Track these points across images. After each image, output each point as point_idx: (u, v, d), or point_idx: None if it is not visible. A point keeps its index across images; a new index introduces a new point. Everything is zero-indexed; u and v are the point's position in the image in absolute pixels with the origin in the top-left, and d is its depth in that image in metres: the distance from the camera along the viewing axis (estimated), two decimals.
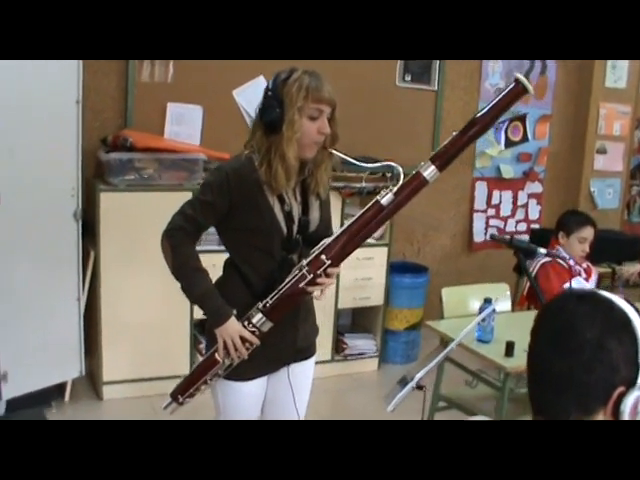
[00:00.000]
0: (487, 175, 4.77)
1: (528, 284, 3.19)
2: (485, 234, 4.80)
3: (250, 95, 3.97)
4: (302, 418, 2.16)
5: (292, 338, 2.03)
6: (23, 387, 3.16)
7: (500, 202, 4.85)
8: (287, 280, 1.90)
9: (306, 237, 1.99)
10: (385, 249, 4.08)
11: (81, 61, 3.10)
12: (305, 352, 2.13)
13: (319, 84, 1.87)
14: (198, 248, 1.99)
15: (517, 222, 4.92)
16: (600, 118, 4.96)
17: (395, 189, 1.89)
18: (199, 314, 2.29)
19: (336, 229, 2.00)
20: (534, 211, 4.99)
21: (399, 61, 4.28)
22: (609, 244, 4.13)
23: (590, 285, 3.24)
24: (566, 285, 3.09)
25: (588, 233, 3.24)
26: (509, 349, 2.48)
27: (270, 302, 1.90)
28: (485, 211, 4.82)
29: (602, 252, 3.82)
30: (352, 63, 4.11)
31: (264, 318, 1.91)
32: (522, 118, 4.77)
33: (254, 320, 1.91)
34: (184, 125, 3.85)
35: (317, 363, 3.97)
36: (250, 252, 1.95)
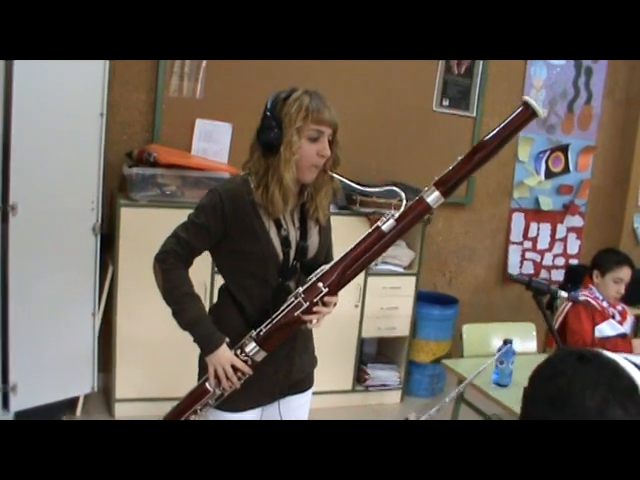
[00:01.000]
0: (525, 206, 4.59)
1: (559, 323, 3.02)
2: (520, 267, 4.62)
3: None
4: None
5: (287, 369, 1.92)
6: (33, 400, 3.11)
7: (538, 235, 4.67)
8: (282, 308, 1.80)
9: (304, 263, 1.88)
10: (413, 279, 3.95)
11: (106, 74, 3.08)
12: (301, 384, 2.01)
13: (320, 105, 1.78)
14: None
15: (555, 256, 4.72)
16: None
17: (397, 215, 1.78)
18: None
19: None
20: (573, 246, 4.78)
21: (437, 85, 4.17)
22: None
23: (625, 329, 3.05)
24: (599, 327, 2.92)
25: (625, 274, 3.05)
26: None
27: (264, 331, 1.80)
28: (521, 243, 4.63)
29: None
30: (389, 86, 4.04)
31: (257, 347, 1.80)
32: (564, 149, 4.59)
33: (247, 349, 1.81)
34: (212, 142, 3.80)
35: (337, 392, 3.91)
36: (244, 278, 1.85)
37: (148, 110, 3.63)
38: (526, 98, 1.68)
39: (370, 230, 1.81)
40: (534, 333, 3.06)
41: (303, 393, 2.03)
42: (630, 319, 3.16)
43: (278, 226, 1.84)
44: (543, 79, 4.45)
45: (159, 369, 3.45)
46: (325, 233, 1.96)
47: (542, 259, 4.69)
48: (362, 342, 4.09)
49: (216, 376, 1.81)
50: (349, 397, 3.92)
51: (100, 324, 3.34)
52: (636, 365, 0.98)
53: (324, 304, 1.81)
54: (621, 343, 2.92)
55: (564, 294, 2.10)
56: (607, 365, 0.97)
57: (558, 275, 4.65)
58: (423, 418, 1.92)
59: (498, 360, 2.10)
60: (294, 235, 1.88)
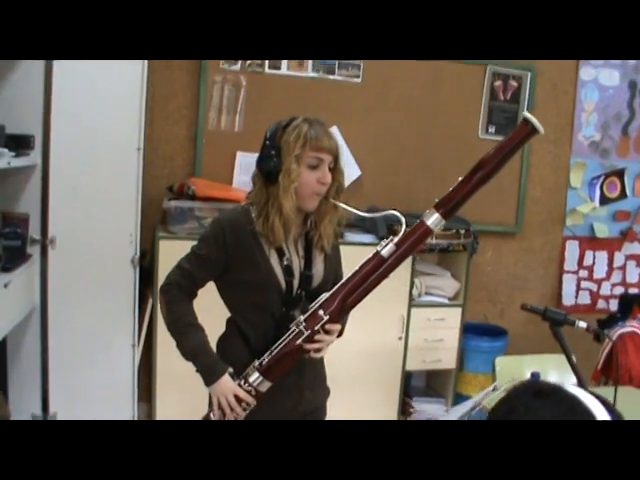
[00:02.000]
0: (579, 234, 4.41)
1: (604, 356, 2.87)
2: (576, 297, 4.43)
3: None
4: None
5: (295, 400, 1.88)
6: None
7: (593, 263, 4.46)
8: (284, 337, 1.76)
9: (310, 293, 1.85)
10: (458, 310, 3.84)
11: (143, 108, 3.15)
12: (312, 417, 1.96)
13: (318, 132, 1.77)
14: None
15: (613, 285, 4.50)
16: None
17: (396, 239, 1.73)
18: None
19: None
20: (633, 274, 4.55)
21: (482, 112, 4.09)
22: None
23: None
24: None
25: None
26: None
27: (266, 360, 1.77)
28: (576, 272, 4.44)
29: None
30: (433, 113, 3.99)
31: (261, 377, 1.78)
32: (620, 173, 4.40)
33: (251, 379, 1.79)
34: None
35: None
36: (248, 308, 1.84)
37: (189, 144, 3.69)
38: (526, 114, 1.64)
39: (370, 256, 1.76)
40: None
41: None
42: None
43: (280, 255, 1.82)
44: (595, 102, 4.30)
45: (199, 400, 3.43)
46: (331, 261, 1.93)
47: (599, 288, 4.48)
48: (409, 375, 4.00)
49: (220, 407, 1.79)
50: None
51: (140, 355, 3.38)
52: (601, 400, 0.90)
53: (326, 332, 1.76)
54: None
55: (583, 324, 1.98)
56: (565, 400, 0.90)
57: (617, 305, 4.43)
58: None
59: None
60: (298, 264, 1.85)
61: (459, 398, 3.95)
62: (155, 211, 3.57)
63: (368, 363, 3.69)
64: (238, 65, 3.65)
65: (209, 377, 1.80)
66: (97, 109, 2.99)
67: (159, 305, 1.89)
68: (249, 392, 1.78)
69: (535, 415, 0.89)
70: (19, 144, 2.75)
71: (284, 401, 1.85)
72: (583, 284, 4.46)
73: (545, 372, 2.45)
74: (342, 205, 1.83)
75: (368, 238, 3.60)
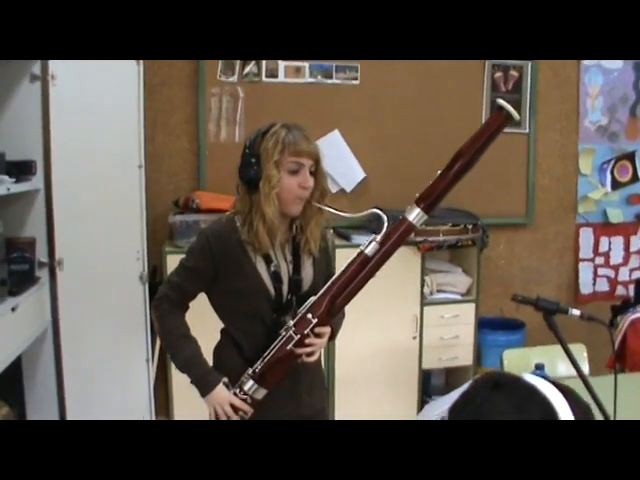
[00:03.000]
0: (592, 221, 4.34)
1: (618, 342, 2.82)
2: (594, 285, 4.36)
3: (326, 150, 3.82)
4: None
5: (294, 406, 1.88)
6: None
7: (609, 249, 4.40)
8: (274, 343, 1.77)
9: (301, 297, 1.85)
10: (472, 305, 3.81)
11: (142, 126, 3.18)
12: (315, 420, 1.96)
13: (297, 137, 1.77)
14: None
15: (631, 270, 4.43)
16: None
17: (379, 237, 1.72)
18: None
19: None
20: None
21: (484, 104, 4.06)
22: None
23: None
24: None
25: None
26: None
27: (259, 367, 1.77)
28: (592, 260, 4.38)
29: None
30: (432, 110, 3.97)
31: (256, 385, 1.78)
32: (630, 156, 4.33)
33: (246, 387, 1.79)
34: None
35: None
36: (239, 317, 1.85)
37: (192, 158, 3.73)
38: (499, 101, 1.63)
39: (354, 256, 1.76)
40: (585, 354, 2.85)
41: None
42: None
43: (268, 262, 1.82)
44: (600, 85, 4.24)
45: None
46: (320, 264, 1.93)
47: (617, 275, 4.41)
48: (427, 374, 3.98)
49: (217, 417, 1.80)
50: None
51: (155, 370, 3.41)
52: (561, 389, 0.89)
53: (317, 335, 1.76)
54: None
55: (576, 312, 1.95)
56: (520, 390, 0.89)
57: None
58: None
59: None
60: (286, 269, 1.85)
61: None
62: (163, 227, 3.60)
63: (384, 364, 3.68)
64: (235, 76, 3.67)
65: (203, 388, 1.81)
66: (96, 129, 3.02)
67: (153, 320, 1.90)
68: (245, 400, 1.78)
69: (491, 406, 0.89)
70: (21, 170, 2.80)
71: (282, 407, 1.85)
72: (600, 271, 4.39)
73: (553, 363, 2.42)
74: (325, 207, 1.83)
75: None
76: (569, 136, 4.24)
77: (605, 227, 4.36)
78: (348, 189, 3.94)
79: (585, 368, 2.79)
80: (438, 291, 3.79)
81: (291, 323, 1.77)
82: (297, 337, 1.75)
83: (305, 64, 3.77)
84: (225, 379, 1.81)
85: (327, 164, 3.80)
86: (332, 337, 1.88)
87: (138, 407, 3.35)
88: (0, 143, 2.74)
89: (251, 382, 1.78)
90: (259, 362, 1.78)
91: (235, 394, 1.79)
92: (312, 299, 1.78)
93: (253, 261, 1.81)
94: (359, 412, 3.30)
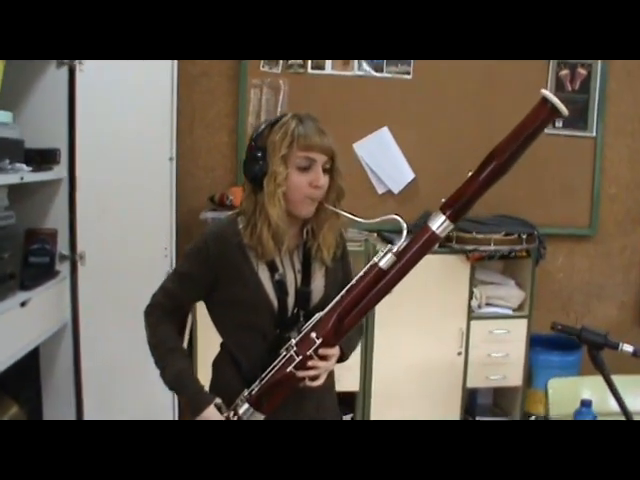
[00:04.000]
0: None
1: None
2: None
3: (373, 148, 3.68)
4: None
5: None
6: None
7: None
8: (274, 363, 1.55)
9: (309, 312, 1.62)
10: (524, 321, 3.51)
11: (174, 117, 3.02)
12: None
13: (308, 129, 1.55)
14: None
15: None
16: None
17: (395, 249, 1.49)
18: None
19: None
20: None
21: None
22: None
23: None
24: None
25: None
26: None
27: (256, 390, 1.56)
28: None
29: None
30: (491, 111, 3.69)
31: (251, 409, 1.57)
32: None
33: (240, 411, 1.58)
34: None
35: None
36: (238, 330, 1.64)
37: (230, 152, 3.55)
38: (543, 91, 1.36)
39: (366, 268, 1.53)
40: None
41: None
42: None
43: (272, 270, 1.61)
44: None
45: None
46: (334, 274, 1.70)
47: None
48: (473, 393, 3.70)
49: None
50: None
51: None
52: None
53: (321, 358, 1.54)
54: None
55: (628, 348, 1.66)
56: None
57: None
58: None
59: None
60: (293, 279, 1.63)
61: (527, 417, 3.62)
62: (195, 223, 3.43)
63: (425, 380, 3.43)
64: (279, 67, 3.48)
65: (192, 409, 1.61)
66: (124, 118, 2.89)
67: (144, 328, 1.72)
68: None
69: None
70: (44, 158, 2.69)
71: None
72: None
73: (603, 398, 2.12)
74: (335, 210, 1.61)
75: None
76: None
77: None
78: (396, 190, 3.70)
79: (636, 404, 2.47)
80: (487, 304, 3.51)
81: (293, 342, 1.55)
82: (299, 358, 1.53)
83: None
84: (218, 400, 1.60)
85: (374, 163, 3.70)
86: (342, 359, 1.65)
87: (161, 408, 3.19)
88: (24, 130, 2.63)
89: (246, 405, 1.57)
90: (256, 383, 1.57)
91: (228, 418, 1.58)
92: (318, 315, 1.56)
93: (255, 268, 1.60)
94: None
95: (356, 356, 3.32)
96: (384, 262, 1.50)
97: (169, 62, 2.99)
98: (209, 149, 3.54)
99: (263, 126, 1.62)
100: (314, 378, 1.56)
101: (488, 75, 3.68)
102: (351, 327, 1.54)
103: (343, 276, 1.72)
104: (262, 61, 3.46)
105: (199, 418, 1.58)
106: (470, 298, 3.41)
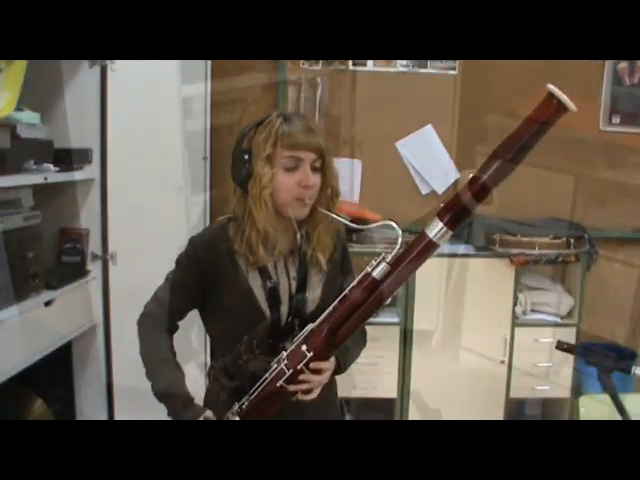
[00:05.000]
0: None
1: None
2: None
3: (416, 147, 3.56)
4: None
5: None
6: None
7: None
8: (264, 376, 1.48)
9: (306, 320, 1.54)
10: (573, 330, 3.32)
11: (208, 116, 3.00)
12: None
13: (294, 127, 1.47)
14: None
15: None
16: None
17: (389, 257, 1.39)
18: None
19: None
20: None
21: (603, 100, 3.53)
22: None
23: None
24: None
25: None
26: None
27: (246, 404, 1.50)
28: None
29: None
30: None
31: None
32: None
33: None
34: (341, 181, 3.56)
35: None
36: (229, 340, 1.57)
37: None
38: (549, 86, 1.24)
39: (359, 278, 1.44)
40: None
41: None
42: None
43: (264, 277, 1.54)
44: None
45: None
46: (333, 280, 1.61)
47: None
48: (520, 403, 3.55)
49: None
50: None
51: None
52: None
53: (313, 371, 1.46)
54: None
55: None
56: None
57: None
58: None
59: None
60: (287, 286, 1.56)
61: None
62: None
63: (466, 388, 3.30)
64: (319, 64, 3.40)
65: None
66: (157, 118, 2.87)
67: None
68: None
69: None
70: (75, 158, 2.70)
71: None
72: None
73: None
74: (328, 212, 1.53)
75: (460, 249, 3.22)
76: None
77: None
78: (440, 191, 3.58)
79: None
80: (532, 311, 3.34)
81: (284, 354, 1.48)
82: (289, 372, 1.45)
83: None
84: (208, 412, 1.55)
85: (417, 162, 3.58)
86: (338, 371, 1.57)
87: None
88: (55, 130, 2.65)
89: (237, 419, 1.51)
90: (246, 397, 1.50)
91: None
92: (309, 327, 1.47)
93: (245, 275, 1.54)
94: None
95: (394, 362, 3.22)
96: (377, 272, 1.41)
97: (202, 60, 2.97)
98: None
99: (248, 127, 1.55)
100: (307, 392, 1.49)
101: (539, 69, 3.49)
102: (344, 339, 1.46)
103: (343, 279, 1.63)
104: None
105: None
106: (514, 304, 3.25)
